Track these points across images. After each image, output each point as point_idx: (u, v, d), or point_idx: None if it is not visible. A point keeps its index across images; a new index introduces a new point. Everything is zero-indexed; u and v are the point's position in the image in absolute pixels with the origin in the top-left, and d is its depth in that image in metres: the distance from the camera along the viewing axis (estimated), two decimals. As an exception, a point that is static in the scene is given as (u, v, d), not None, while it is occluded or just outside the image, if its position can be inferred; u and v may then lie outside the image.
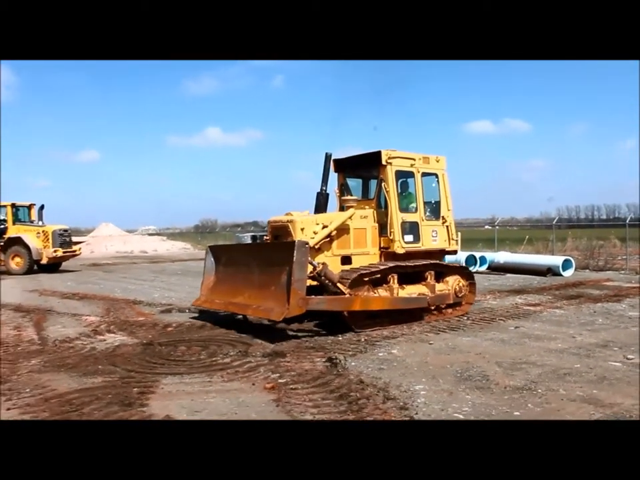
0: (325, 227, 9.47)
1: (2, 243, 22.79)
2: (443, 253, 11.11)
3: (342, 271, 9.33)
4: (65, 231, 24.14)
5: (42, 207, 24.07)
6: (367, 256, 10.04)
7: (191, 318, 10.44)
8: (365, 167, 11.03)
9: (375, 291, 9.39)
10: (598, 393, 5.62)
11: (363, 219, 10.14)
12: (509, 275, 18.71)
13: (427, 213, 10.79)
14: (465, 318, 10.16)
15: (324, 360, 7.02)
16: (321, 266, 8.57)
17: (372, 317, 9.19)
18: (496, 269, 20.02)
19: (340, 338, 8.44)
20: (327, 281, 8.62)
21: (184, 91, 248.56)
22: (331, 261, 9.30)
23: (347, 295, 8.67)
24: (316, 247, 9.24)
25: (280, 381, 6.16)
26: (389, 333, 8.81)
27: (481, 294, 13.64)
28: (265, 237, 10.87)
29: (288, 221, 9.57)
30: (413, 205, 10.62)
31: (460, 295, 10.54)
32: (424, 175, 10.73)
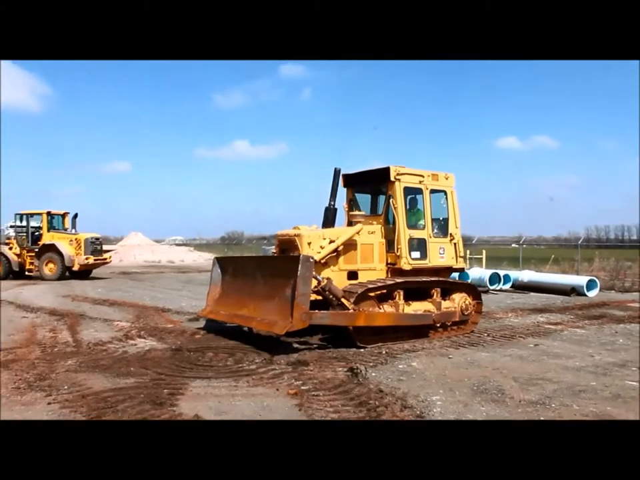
0: (331, 241, 9.54)
1: (37, 250, 23.61)
2: (449, 270, 11.11)
3: (349, 285, 9.35)
4: (97, 239, 24.87)
5: (75, 216, 24.88)
6: (373, 271, 10.07)
7: (218, 326, 10.77)
8: (373, 182, 11.09)
9: (381, 306, 9.38)
10: (611, 409, 5.76)
11: (370, 235, 10.19)
12: (532, 293, 18.71)
13: (435, 230, 10.80)
14: (486, 334, 10.32)
15: (345, 370, 7.28)
16: (325, 280, 8.63)
17: (377, 332, 9.17)
18: (520, 287, 20.03)
19: (362, 350, 8.67)
20: (331, 296, 8.65)
21: (213, 105, 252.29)
22: (337, 276, 9.40)
23: (352, 310, 8.68)
24: (322, 261, 9.31)
25: (303, 387, 6.44)
26: (410, 347, 9.03)
27: (502, 312, 13.82)
28: (272, 251, 10.98)
29: (295, 235, 9.67)
30: (421, 221, 10.64)
31: (466, 313, 10.48)
32: (432, 191, 10.75)
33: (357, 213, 10.64)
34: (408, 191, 10.46)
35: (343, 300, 8.68)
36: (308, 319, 8.13)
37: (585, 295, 17.70)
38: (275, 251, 10.61)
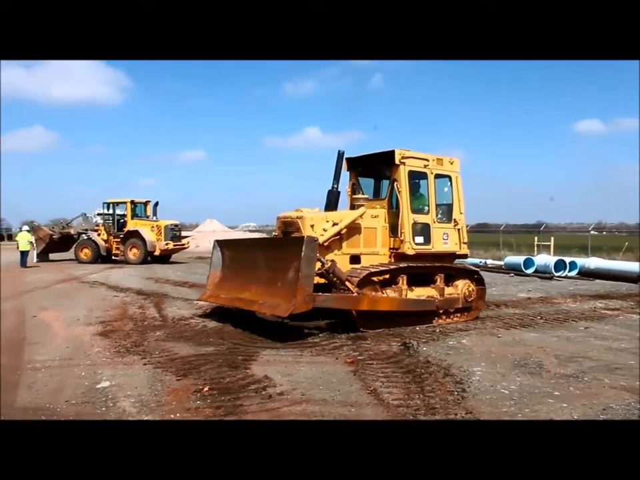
0: (335, 224, 9.41)
1: (122, 236, 25.52)
2: (453, 256, 10.92)
3: (351, 269, 9.30)
4: (176, 225, 26.59)
5: (157, 204, 26.71)
6: (376, 256, 9.98)
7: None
8: (377, 166, 10.96)
9: (384, 291, 9.37)
10: (641, 384, 6.26)
11: (373, 219, 10.07)
12: (598, 280, 18.67)
13: (439, 215, 10.65)
14: (539, 317, 10.76)
15: (399, 344, 8.05)
16: (329, 263, 8.55)
17: (379, 317, 9.08)
18: (586, 274, 19.97)
19: (417, 328, 9.40)
20: (335, 279, 8.62)
21: (283, 93, 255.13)
22: (339, 260, 9.22)
23: (355, 294, 8.66)
24: (325, 244, 9.18)
25: (359, 357, 7.28)
26: (463, 326, 9.68)
27: (562, 297, 14.11)
28: (273, 233, 10.75)
29: (297, 217, 9.59)
30: (425, 206, 10.51)
31: (469, 300, 10.40)
32: (437, 176, 10.59)
33: (360, 196, 10.49)
34: (412, 174, 10.29)
35: (347, 283, 8.68)
36: (311, 302, 8.01)
37: (653, 283, 17.52)
38: (276, 233, 10.46)
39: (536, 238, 27.06)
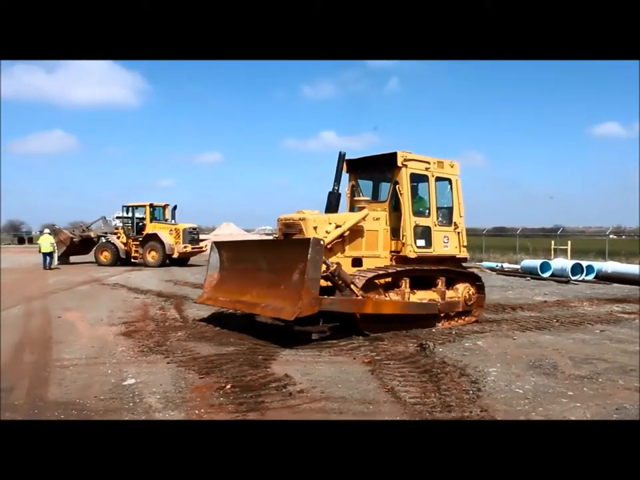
0: (338, 226, 9.28)
1: (140, 239, 25.90)
2: (453, 259, 10.75)
3: (355, 271, 9.21)
4: (194, 229, 26.94)
5: (175, 207, 27.08)
6: (377, 259, 9.88)
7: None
8: (378, 168, 10.81)
9: (387, 294, 9.31)
10: (655, 385, 6.35)
11: (375, 221, 9.96)
12: (615, 284, 18.63)
13: (440, 218, 10.55)
14: (555, 320, 10.84)
15: (416, 345, 8.20)
16: (334, 266, 8.44)
17: (382, 321, 9.06)
18: (603, 278, 19.91)
19: (433, 330, 9.54)
20: (340, 282, 8.49)
21: (301, 95, 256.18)
22: (342, 262, 9.06)
23: (360, 297, 8.57)
24: (328, 246, 8.98)
25: (376, 357, 7.45)
26: (479, 329, 9.79)
27: (578, 300, 14.14)
28: (274, 235, 10.49)
29: (300, 219, 9.40)
30: (425, 209, 10.42)
31: (469, 304, 10.38)
32: (438, 179, 10.49)
33: (361, 198, 10.31)
34: (414, 177, 10.21)
35: (352, 286, 8.56)
36: (317, 305, 7.88)
37: (672, 287, 17.45)
38: (277, 235, 10.22)
39: (553, 242, 26.99)
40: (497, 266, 25.46)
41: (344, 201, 11.01)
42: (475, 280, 10.76)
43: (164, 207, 27.36)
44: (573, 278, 19.65)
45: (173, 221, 26.84)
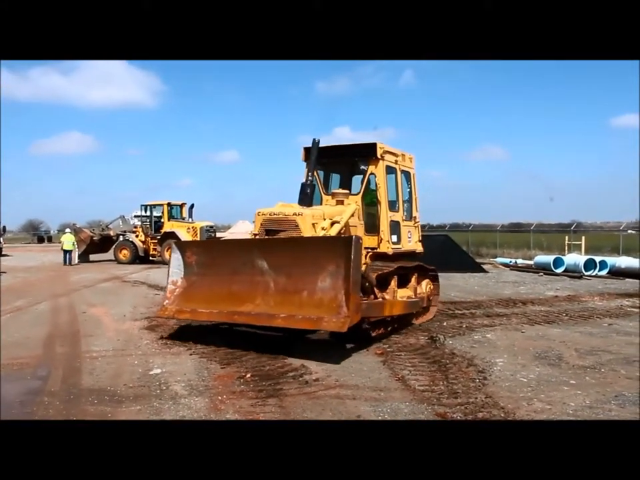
0: (334, 222, 8.33)
1: (159, 237, 26.43)
2: (413, 254, 10.40)
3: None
4: (211, 227, 27.45)
5: (192, 206, 27.60)
6: None
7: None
8: (351, 158, 9.77)
9: (385, 294, 8.80)
10: (656, 375, 6.62)
11: (353, 216, 9.06)
12: (628, 280, 18.74)
13: (404, 213, 10.17)
14: (564, 314, 11.08)
15: (427, 338, 8.53)
16: (364, 266, 7.93)
17: (382, 322, 8.50)
18: (617, 273, 20.02)
19: (445, 324, 9.87)
20: (367, 283, 7.99)
21: (315, 91, 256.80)
22: None
23: (380, 299, 8.25)
24: None
25: (388, 349, 7.80)
26: (489, 322, 10.08)
27: (589, 295, 14.33)
28: (252, 232, 9.08)
29: (294, 214, 8.25)
30: (396, 203, 9.95)
31: (431, 299, 10.26)
32: (402, 172, 10.12)
33: (340, 191, 9.43)
34: (388, 170, 9.68)
35: (375, 289, 8.18)
36: (360, 311, 7.02)
37: (685, 282, 17.53)
38: (257, 232, 8.64)
39: (567, 237, 27.09)
40: (510, 262, 25.64)
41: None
42: (434, 276, 10.62)
43: (181, 206, 27.88)
44: (586, 273, 19.80)
45: (190, 219, 27.36)
